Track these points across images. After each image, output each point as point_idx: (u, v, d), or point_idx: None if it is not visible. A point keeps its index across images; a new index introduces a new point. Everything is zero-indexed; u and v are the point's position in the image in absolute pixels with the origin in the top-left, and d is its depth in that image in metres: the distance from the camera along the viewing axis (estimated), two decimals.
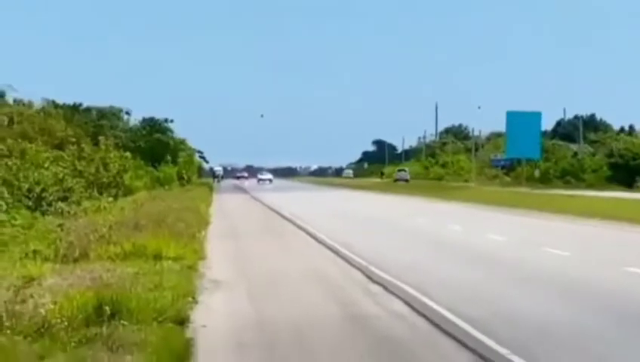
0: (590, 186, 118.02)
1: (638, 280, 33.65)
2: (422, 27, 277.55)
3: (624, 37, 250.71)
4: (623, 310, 27.14)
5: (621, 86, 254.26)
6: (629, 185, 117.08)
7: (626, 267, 37.08)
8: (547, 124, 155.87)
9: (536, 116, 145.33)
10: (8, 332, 20.68)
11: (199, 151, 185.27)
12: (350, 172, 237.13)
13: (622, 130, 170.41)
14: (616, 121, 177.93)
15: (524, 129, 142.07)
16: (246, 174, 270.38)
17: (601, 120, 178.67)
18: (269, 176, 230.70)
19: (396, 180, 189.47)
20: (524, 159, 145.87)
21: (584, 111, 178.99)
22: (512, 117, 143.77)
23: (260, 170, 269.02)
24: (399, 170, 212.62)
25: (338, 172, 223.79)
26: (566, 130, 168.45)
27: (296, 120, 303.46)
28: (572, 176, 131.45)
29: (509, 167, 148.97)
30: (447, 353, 21.71)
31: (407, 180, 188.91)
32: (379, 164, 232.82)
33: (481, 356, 20.82)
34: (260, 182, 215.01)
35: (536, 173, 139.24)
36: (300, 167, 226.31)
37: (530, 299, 29.84)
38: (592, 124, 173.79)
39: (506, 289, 31.93)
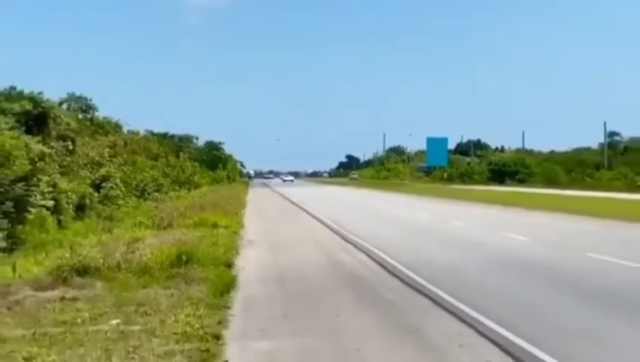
0: (477, 183, 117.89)
1: (505, 239, 33.60)
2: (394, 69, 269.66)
3: (493, 83, 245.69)
4: (494, 256, 27.23)
5: (496, 120, 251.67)
6: (501, 182, 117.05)
7: (501, 232, 37.14)
8: (451, 145, 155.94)
9: (445, 140, 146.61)
10: (124, 270, 20.84)
11: (240, 161, 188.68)
12: (326, 174, 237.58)
13: (496, 149, 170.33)
14: (493, 143, 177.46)
15: (437, 148, 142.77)
16: (272, 176, 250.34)
17: (484, 142, 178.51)
18: (291, 177, 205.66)
19: (350, 178, 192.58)
20: (437, 166, 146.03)
21: (474, 136, 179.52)
22: (430, 140, 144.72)
23: (278, 173, 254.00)
24: (352, 173, 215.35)
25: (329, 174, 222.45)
26: (463, 149, 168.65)
27: (298, 139, 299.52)
28: (467, 177, 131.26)
29: (428, 172, 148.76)
30: (386, 280, 22.01)
31: (356, 179, 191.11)
32: (349, 169, 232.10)
33: (407, 284, 20.99)
34: (284, 181, 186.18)
35: (445, 175, 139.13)
36: (301, 171, 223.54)
37: (441, 251, 29.83)
38: (478, 145, 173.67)
39: (427, 246, 31.90)
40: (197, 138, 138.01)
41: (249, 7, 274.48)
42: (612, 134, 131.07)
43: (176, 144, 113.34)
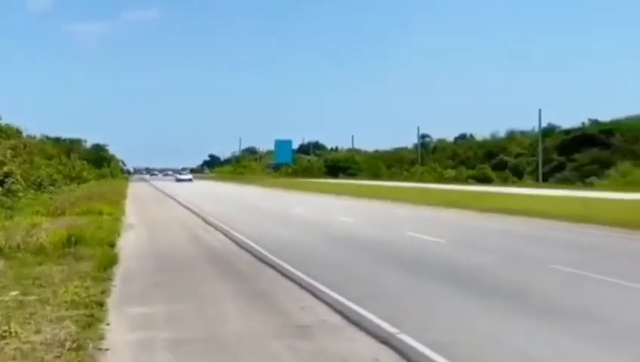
0: (316, 177, 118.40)
1: (337, 221, 33.83)
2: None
3: (329, 92, 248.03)
4: (328, 235, 27.40)
5: (331, 124, 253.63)
6: (335, 176, 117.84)
7: (334, 215, 37.39)
8: (295, 145, 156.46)
9: (290, 141, 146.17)
10: (23, 250, 20.41)
11: (121, 160, 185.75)
12: (187, 170, 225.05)
13: (332, 148, 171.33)
14: (328, 143, 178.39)
15: (283, 148, 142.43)
16: (157, 173, 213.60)
17: (321, 143, 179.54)
18: (190, 176, 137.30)
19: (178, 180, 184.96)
20: (284, 164, 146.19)
21: (314, 138, 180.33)
22: (277, 142, 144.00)
23: (165, 169, 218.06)
24: (205, 170, 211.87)
25: (193, 171, 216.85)
26: (304, 148, 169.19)
27: (168, 140, 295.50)
28: (308, 172, 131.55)
29: (276, 168, 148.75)
30: (239, 253, 22.12)
31: (207, 173, 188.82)
32: (212, 167, 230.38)
33: (256, 257, 21.00)
34: (180, 181, 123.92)
35: (290, 171, 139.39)
36: (173, 168, 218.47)
37: (284, 230, 29.90)
38: (317, 145, 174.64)
39: (273, 226, 31.92)
40: (85, 141, 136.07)
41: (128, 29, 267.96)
42: (424, 136, 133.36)
43: (67, 146, 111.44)
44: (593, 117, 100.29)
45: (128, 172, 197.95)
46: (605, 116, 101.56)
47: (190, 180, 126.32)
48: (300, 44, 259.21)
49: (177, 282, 16.79)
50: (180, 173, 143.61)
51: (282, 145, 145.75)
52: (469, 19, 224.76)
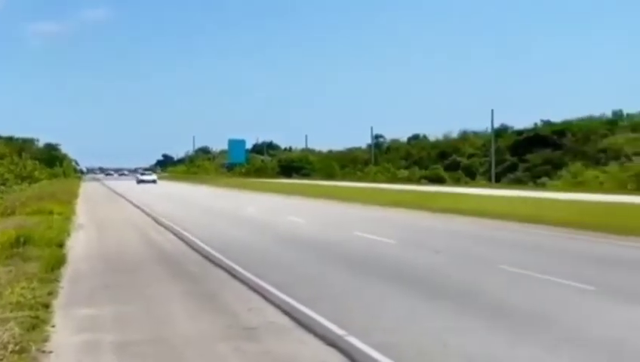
0: (270, 177, 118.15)
1: (288, 221, 33.80)
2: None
3: (280, 91, 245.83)
4: (279, 235, 27.40)
5: (285, 124, 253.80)
6: (288, 176, 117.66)
7: (285, 216, 37.37)
8: (249, 145, 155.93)
9: (243, 141, 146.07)
10: None
11: (74, 160, 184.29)
12: (151, 171, 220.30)
13: (285, 148, 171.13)
14: (282, 143, 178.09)
15: (237, 148, 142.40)
16: (112, 173, 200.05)
17: (275, 144, 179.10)
18: (154, 176, 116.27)
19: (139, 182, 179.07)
20: (237, 163, 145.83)
21: (267, 138, 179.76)
22: (231, 142, 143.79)
23: (120, 169, 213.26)
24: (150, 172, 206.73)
25: (146, 170, 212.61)
26: (258, 148, 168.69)
27: (122, 140, 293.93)
28: (261, 172, 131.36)
29: (230, 168, 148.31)
30: (189, 254, 22.11)
31: (159, 173, 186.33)
32: (165, 166, 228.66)
33: (207, 258, 20.95)
34: (142, 183, 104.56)
35: (244, 170, 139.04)
36: (128, 168, 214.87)
37: (235, 231, 29.86)
38: (270, 145, 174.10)
39: (224, 227, 31.86)
40: (38, 140, 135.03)
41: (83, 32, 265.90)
42: (377, 136, 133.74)
43: (19, 145, 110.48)
44: (545, 118, 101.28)
45: (81, 171, 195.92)
46: (557, 117, 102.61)
47: (154, 182, 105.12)
48: (254, 44, 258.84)
49: (126, 283, 16.70)
50: (142, 174, 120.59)
51: (236, 145, 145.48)
52: (422, 21, 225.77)
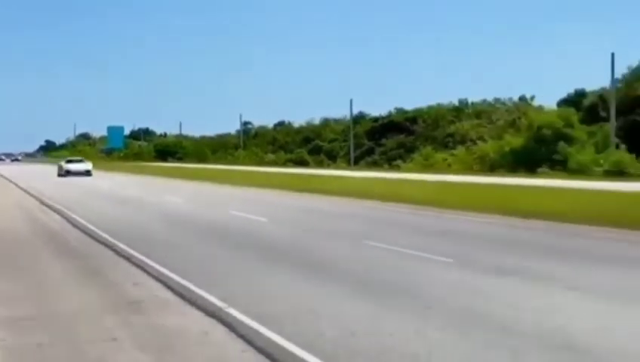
0: (147, 161, 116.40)
1: (166, 201, 33.32)
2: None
3: (158, 82, 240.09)
4: (158, 214, 27.00)
5: (160, 112, 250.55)
6: (164, 160, 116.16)
7: (164, 196, 36.81)
8: (127, 131, 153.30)
9: (121, 128, 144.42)
10: None
11: None
12: (21, 156, 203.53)
13: (161, 134, 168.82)
14: (158, 130, 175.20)
15: (116, 134, 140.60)
16: (3, 157, 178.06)
17: (152, 130, 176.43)
18: (88, 165, 71.53)
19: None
20: (116, 148, 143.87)
21: (144, 125, 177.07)
22: (110, 128, 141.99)
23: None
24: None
25: (29, 155, 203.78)
26: (136, 134, 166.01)
27: (3, 126, 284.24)
28: (139, 156, 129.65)
29: (109, 153, 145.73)
30: (73, 232, 21.47)
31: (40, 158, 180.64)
32: (49, 151, 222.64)
33: (91, 236, 20.36)
34: (68, 176, 67.50)
35: (122, 155, 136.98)
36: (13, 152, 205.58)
37: (116, 210, 29.27)
38: (147, 131, 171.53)
39: (105, 207, 31.20)
40: None
41: None
42: (246, 123, 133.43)
43: None
44: (399, 106, 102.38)
45: None
46: (410, 105, 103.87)
47: (89, 173, 68.54)
48: (130, 35, 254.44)
49: (14, 261, 16.12)
50: (70, 162, 74.71)
51: (115, 131, 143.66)
52: (280, 13, 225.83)
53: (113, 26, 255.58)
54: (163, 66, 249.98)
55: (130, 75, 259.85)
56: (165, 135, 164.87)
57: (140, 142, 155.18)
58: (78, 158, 79.60)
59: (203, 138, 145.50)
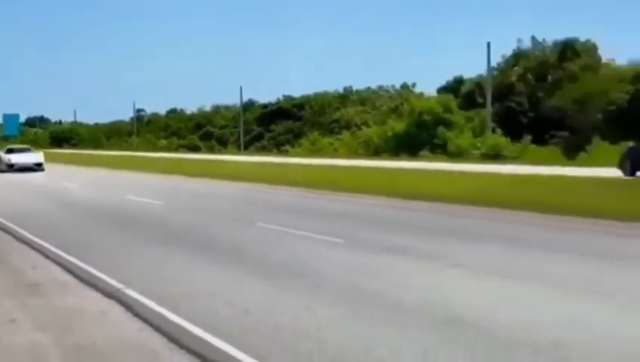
0: (42, 147, 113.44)
1: (63, 187, 32.60)
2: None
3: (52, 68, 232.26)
4: (56, 199, 26.39)
5: (55, 100, 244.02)
6: (59, 146, 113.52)
7: (60, 182, 35.94)
8: (22, 119, 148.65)
9: (17, 116, 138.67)
10: None
11: None
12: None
13: (56, 122, 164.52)
14: (53, 117, 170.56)
15: (11, 122, 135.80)
16: None
17: (47, 117, 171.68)
18: (39, 157, 49.49)
19: None
20: (11, 136, 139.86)
21: (39, 113, 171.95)
22: (5, 116, 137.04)
23: None
24: None
25: None
26: (31, 122, 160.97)
27: None
28: (34, 143, 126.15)
29: (5, 140, 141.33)
30: None
31: None
32: None
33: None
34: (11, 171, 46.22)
35: (18, 142, 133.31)
36: None
37: (20, 198, 28.46)
38: (42, 119, 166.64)
39: (4, 193, 30.28)
40: None
41: None
42: (139, 110, 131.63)
43: None
44: (287, 93, 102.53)
45: None
46: (297, 92, 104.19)
47: (40, 167, 48.43)
48: (21, 23, 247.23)
49: None
50: (11, 151, 51.83)
51: (10, 119, 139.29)
52: (171, 1, 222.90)
53: (5, 16, 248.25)
54: (57, 55, 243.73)
55: (25, 63, 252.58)
56: (60, 122, 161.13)
57: (35, 130, 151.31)
58: (24, 147, 56.68)
59: (97, 125, 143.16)
